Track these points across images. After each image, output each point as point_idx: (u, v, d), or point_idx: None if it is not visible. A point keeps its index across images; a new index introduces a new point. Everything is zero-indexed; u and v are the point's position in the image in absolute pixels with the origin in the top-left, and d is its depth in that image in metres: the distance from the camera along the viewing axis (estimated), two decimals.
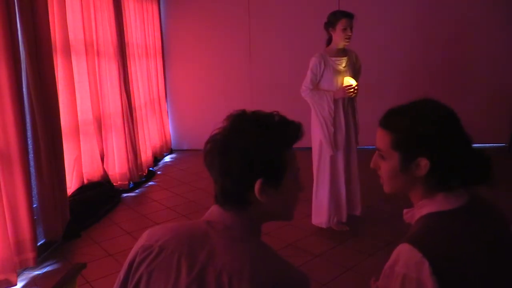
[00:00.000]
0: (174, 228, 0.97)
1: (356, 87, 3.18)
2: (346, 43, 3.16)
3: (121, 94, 4.37)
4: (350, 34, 3.11)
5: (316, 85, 3.20)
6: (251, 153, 0.91)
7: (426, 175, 1.01)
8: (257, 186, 0.92)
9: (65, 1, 3.43)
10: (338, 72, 3.18)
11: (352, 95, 3.18)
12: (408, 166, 1.02)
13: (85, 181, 3.91)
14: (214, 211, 0.97)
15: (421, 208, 1.04)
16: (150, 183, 4.82)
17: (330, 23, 3.14)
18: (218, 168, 0.93)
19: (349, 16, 3.11)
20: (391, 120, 1.06)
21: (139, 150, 4.81)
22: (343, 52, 3.23)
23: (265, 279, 0.85)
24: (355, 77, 3.26)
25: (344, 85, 3.17)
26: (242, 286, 0.83)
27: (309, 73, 3.20)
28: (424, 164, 1.00)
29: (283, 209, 1.00)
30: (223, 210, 0.95)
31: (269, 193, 0.93)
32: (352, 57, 3.28)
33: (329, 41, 3.23)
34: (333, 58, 3.19)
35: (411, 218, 1.09)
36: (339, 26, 3.09)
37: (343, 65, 3.21)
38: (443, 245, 0.93)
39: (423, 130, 1.00)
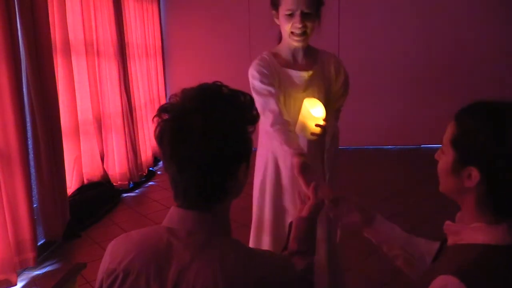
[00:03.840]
0: (136, 243, 0.87)
1: (324, 124, 1.58)
2: (296, 43, 1.69)
3: (121, 94, 4.36)
4: (299, 26, 1.62)
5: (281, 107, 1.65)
6: (236, 140, 0.85)
7: (482, 194, 0.87)
8: (241, 173, 0.87)
9: (65, 1, 3.43)
10: (293, 99, 1.72)
11: (314, 137, 1.60)
12: (459, 170, 0.89)
13: (85, 181, 3.91)
14: (173, 215, 0.88)
15: (476, 232, 0.88)
16: (150, 183, 4.82)
17: (273, 2, 1.75)
18: (198, 160, 0.81)
19: None
20: (466, 113, 0.90)
21: (139, 150, 4.81)
22: (306, 58, 1.76)
23: (243, 282, 0.80)
24: (330, 100, 1.77)
25: (305, 127, 1.59)
26: None
27: (257, 100, 1.63)
28: (474, 175, 0.86)
29: (243, 187, 0.92)
30: (184, 212, 0.86)
31: (246, 175, 0.90)
32: (327, 66, 1.78)
33: (280, 36, 1.79)
34: (286, 70, 1.72)
35: (455, 234, 0.93)
36: (282, 7, 1.66)
37: (306, 84, 1.72)
38: None
39: (484, 139, 0.84)
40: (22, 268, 2.73)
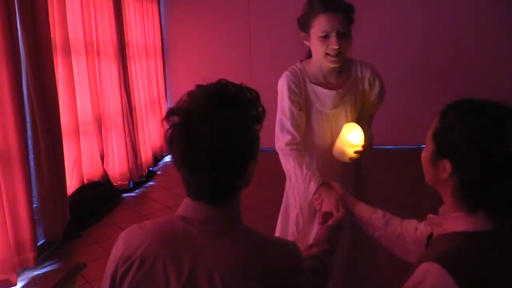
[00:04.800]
0: (151, 231, 0.90)
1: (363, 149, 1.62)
2: (332, 64, 1.61)
3: (121, 94, 4.37)
4: (336, 47, 1.55)
5: (302, 130, 1.68)
6: (244, 141, 0.88)
7: (456, 185, 0.92)
8: (250, 169, 0.91)
9: (65, 1, 3.43)
10: (322, 115, 1.69)
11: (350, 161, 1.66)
12: (437, 161, 0.94)
13: (85, 181, 3.91)
14: (187, 205, 0.92)
15: (456, 221, 0.92)
16: (150, 183, 4.82)
17: (302, 24, 1.67)
18: (208, 163, 0.85)
19: (334, 8, 1.54)
20: (449, 109, 0.96)
21: (139, 150, 4.81)
22: (339, 76, 1.69)
23: (258, 269, 0.83)
24: (364, 109, 1.77)
25: (342, 153, 1.63)
26: (235, 282, 0.81)
27: (279, 116, 1.69)
28: (447, 167, 0.92)
29: (251, 180, 0.95)
30: (198, 203, 0.90)
31: (254, 170, 0.93)
32: (361, 80, 1.72)
33: (310, 52, 1.71)
34: (315, 87, 1.68)
35: (437, 225, 0.98)
36: (315, 29, 1.59)
37: (335, 102, 1.68)
38: (478, 273, 0.83)
39: (459, 136, 0.89)
40: (22, 268, 2.73)
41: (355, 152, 1.60)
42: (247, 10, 5.97)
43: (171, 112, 0.88)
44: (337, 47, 1.55)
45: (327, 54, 1.59)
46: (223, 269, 0.82)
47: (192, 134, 0.84)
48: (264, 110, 0.92)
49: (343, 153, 1.62)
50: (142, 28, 5.24)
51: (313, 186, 1.52)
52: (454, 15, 5.67)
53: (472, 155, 0.88)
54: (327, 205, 1.41)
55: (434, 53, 5.78)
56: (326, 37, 1.56)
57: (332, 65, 1.62)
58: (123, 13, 4.52)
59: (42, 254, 2.98)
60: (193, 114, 0.85)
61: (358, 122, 1.67)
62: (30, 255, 2.72)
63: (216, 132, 0.84)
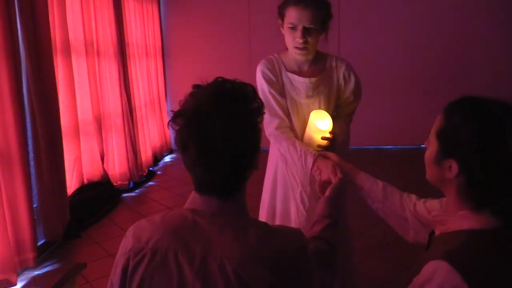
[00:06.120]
0: (160, 224, 0.92)
1: (331, 137, 1.63)
2: (298, 56, 1.69)
3: (121, 94, 4.36)
4: (300, 41, 1.61)
5: (287, 113, 1.72)
6: (252, 136, 0.93)
7: (461, 185, 0.91)
8: (256, 160, 0.95)
9: (65, 1, 3.43)
10: (296, 104, 1.73)
11: (321, 149, 1.63)
12: (441, 161, 0.94)
13: (85, 181, 3.91)
14: (196, 199, 0.94)
15: (461, 220, 0.92)
16: (150, 183, 4.82)
17: (279, 12, 1.69)
18: (223, 161, 0.89)
19: (305, 2, 1.57)
20: (453, 107, 0.95)
21: (139, 150, 4.81)
22: (313, 66, 1.75)
23: (266, 256, 0.86)
24: (340, 106, 1.82)
25: (314, 139, 1.64)
26: (245, 271, 0.83)
27: (264, 102, 1.42)
28: (453, 167, 0.91)
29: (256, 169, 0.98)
30: (207, 197, 0.92)
31: (259, 159, 0.97)
32: (336, 73, 1.76)
33: None
34: (290, 74, 1.73)
35: (442, 224, 0.98)
36: (286, 19, 1.64)
37: (309, 91, 1.71)
38: (486, 270, 0.83)
39: (465, 135, 0.88)
40: (22, 268, 2.73)
41: (323, 139, 1.62)
42: (247, 10, 5.97)
43: (177, 115, 0.90)
44: (301, 41, 1.61)
45: (294, 47, 1.65)
46: (233, 259, 0.84)
47: (206, 134, 0.87)
48: (262, 103, 0.95)
49: (311, 139, 1.65)
50: (142, 28, 5.24)
51: (310, 161, 1.57)
52: (455, 15, 5.67)
53: (478, 156, 0.88)
54: (326, 174, 1.45)
55: (434, 53, 5.78)
56: (293, 29, 1.62)
57: (298, 57, 1.70)
58: (123, 13, 4.52)
59: (42, 254, 2.97)
60: (201, 114, 0.87)
61: (332, 117, 1.70)
62: (30, 255, 2.72)
63: (228, 129, 0.87)
